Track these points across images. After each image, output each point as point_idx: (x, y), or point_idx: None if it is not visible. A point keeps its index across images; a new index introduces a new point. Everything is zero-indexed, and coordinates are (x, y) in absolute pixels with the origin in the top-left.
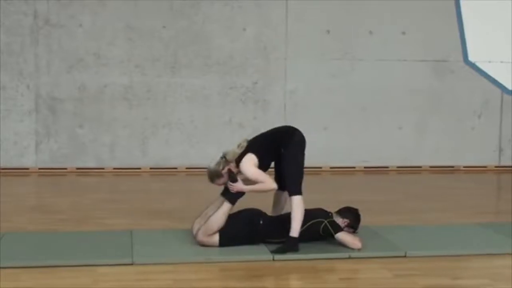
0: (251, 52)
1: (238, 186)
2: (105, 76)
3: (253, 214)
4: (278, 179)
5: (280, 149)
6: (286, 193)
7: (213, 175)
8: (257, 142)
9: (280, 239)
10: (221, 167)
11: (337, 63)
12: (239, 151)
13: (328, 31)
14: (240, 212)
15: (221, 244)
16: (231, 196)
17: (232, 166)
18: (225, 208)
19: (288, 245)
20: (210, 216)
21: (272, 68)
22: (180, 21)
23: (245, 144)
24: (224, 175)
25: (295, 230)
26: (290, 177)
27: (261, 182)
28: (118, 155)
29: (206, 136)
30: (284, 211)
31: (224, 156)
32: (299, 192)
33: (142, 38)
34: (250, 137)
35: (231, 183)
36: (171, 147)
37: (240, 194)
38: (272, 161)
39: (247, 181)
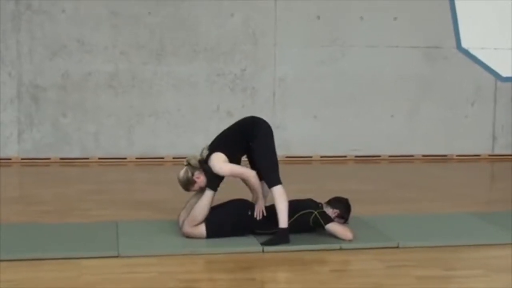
0: (239, 38)
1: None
2: (89, 64)
3: (242, 205)
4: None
5: (248, 143)
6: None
7: (186, 183)
8: (223, 139)
9: (270, 230)
10: (190, 174)
11: (327, 49)
12: (201, 157)
13: (318, 17)
14: (228, 203)
15: (208, 236)
16: (211, 183)
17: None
18: (208, 196)
19: (279, 237)
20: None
21: (260, 55)
22: (166, 7)
23: (206, 152)
24: (196, 180)
25: (283, 221)
26: (265, 169)
27: (238, 175)
28: (103, 144)
29: (193, 125)
30: (268, 203)
31: (188, 163)
32: (278, 182)
33: (127, 24)
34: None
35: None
36: (158, 137)
37: (220, 178)
38: (243, 154)
39: None
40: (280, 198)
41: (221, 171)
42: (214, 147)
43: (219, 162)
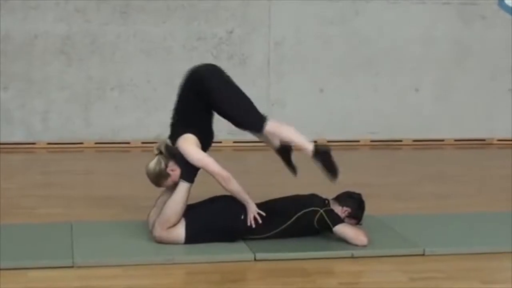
0: None
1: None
2: (35, 23)
3: (233, 206)
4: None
5: (209, 101)
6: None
7: (158, 177)
8: (180, 116)
9: (264, 234)
10: (163, 166)
11: (337, 4)
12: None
13: None
14: (215, 201)
15: (188, 240)
16: (187, 173)
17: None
18: (183, 189)
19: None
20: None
21: (252, 13)
22: None
23: (163, 146)
24: (170, 173)
25: (306, 144)
26: (241, 116)
27: (209, 171)
28: (54, 126)
29: (167, 101)
30: (264, 199)
31: (160, 151)
32: (263, 120)
33: None
34: None
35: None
36: (122, 116)
37: (196, 168)
38: (212, 115)
39: None
40: (280, 128)
41: (191, 158)
42: (178, 130)
43: (188, 147)
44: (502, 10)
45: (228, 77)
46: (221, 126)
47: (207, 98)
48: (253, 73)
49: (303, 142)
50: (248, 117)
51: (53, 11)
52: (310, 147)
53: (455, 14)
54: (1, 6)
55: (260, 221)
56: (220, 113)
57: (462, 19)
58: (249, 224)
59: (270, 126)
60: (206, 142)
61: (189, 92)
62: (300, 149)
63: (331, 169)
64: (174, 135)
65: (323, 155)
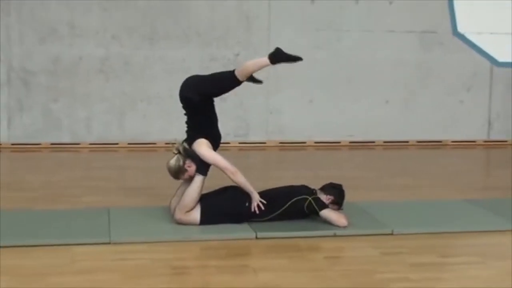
0: (232, 22)
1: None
2: (80, 48)
3: (239, 195)
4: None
5: (205, 105)
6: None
7: (177, 172)
8: (191, 124)
9: (264, 217)
10: (181, 163)
11: (322, 33)
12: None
13: (313, 1)
14: (225, 190)
15: (202, 222)
16: (201, 167)
17: (188, 161)
18: (198, 181)
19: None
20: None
21: (254, 39)
22: None
23: (182, 146)
24: (187, 168)
25: (260, 62)
26: (220, 85)
27: (220, 167)
28: (94, 130)
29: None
30: (263, 188)
31: (178, 151)
32: (232, 72)
33: (118, 7)
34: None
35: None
36: (150, 122)
37: (208, 164)
38: (214, 113)
39: None
40: (243, 69)
41: (205, 158)
42: (191, 135)
43: (202, 148)
44: (456, 37)
45: (197, 76)
46: (229, 130)
47: (201, 102)
48: (255, 88)
49: (260, 62)
50: (224, 81)
51: (94, 38)
52: (266, 60)
53: (418, 41)
54: (53, 34)
55: (262, 208)
56: (214, 95)
57: (424, 45)
58: (253, 210)
59: (238, 73)
60: (215, 143)
61: (186, 109)
62: (264, 68)
63: (292, 58)
64: (189, 138)
65: (278, 55)
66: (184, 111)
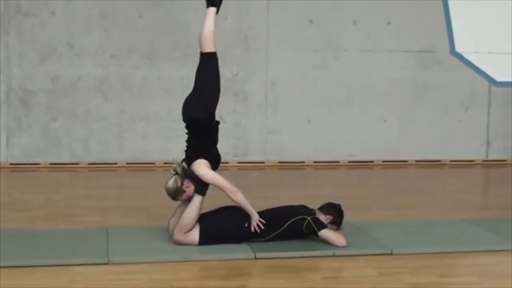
0: (231, 42)
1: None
2: (79, 67)
3: (239, 215)
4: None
5: (207, 127)
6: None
7: (175, 193)
8: (192, 147)
9: (263, 238)
10: (179, 184)
11: (320, 53)
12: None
13: (311, 21)
14: (224, 210)
15: (201, 242)
16: (200, 188)
17: (186, 182)
18: (197, 201)
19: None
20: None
21: (252, 59)
22: (157, 10)
23: (180, 167)
24: (185, 189)
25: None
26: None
27: (221, 188)
28: (93, 149)
29: (184, 130)
30: (262, 208)
31: (176, 172)
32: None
33: (117, 27)
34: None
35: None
36: (149, 142)
37: (207, 183)
38: (216, 132)
39: None
40: (202, 37)
41: (204, 178)
42: (191, 154)
43: (201, 168)
44: (454, 57)
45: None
46: (228, 149)
47: (204, 123)
48: (254, 107)
49: (208, 16)
50: (212, 66)
51: (93, 57)
52: (211, 10)
53: (415, 60)
54: (52, 54)
55: (263, 228)
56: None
57: (421, 64)
58: (253, 230)
59: (208, 47)
60: (215, 163)
61: (189, 129)
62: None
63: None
64: (188, 158)
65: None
66: (186, 130)
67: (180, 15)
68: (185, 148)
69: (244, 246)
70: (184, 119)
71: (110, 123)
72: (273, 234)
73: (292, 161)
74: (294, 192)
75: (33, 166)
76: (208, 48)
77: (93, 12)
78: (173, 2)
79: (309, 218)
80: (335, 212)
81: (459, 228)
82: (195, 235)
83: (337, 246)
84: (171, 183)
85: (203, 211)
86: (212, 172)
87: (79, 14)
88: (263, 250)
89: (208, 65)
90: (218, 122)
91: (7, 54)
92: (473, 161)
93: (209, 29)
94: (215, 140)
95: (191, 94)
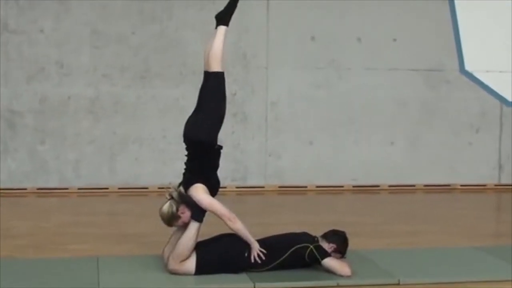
0: (229, 60)
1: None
2: (68, 87)
3: (238, 244)
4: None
5: (209, 152)
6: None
7: (170, 219)
8: (191, 171)
9: (265, 267)
10: (174, 209)
11: (323, 72)
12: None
13: (313, 38)
14: (222, 237)
15: (197, 272)
16: (196, 214)
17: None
18: (193, 228)
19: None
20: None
21: (252, 78)
22: (151, 27)
23: (176, 192)
24: (181, 215)
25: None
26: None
27: (218, 215)
28: (83, 173)
29: (179, 153)
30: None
31: (171, 197)
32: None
33: (109, 45)
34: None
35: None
36: (142, 165)
37: (204, 210)
38: (218, 154)
39: None
40: (213, 47)
41: (201, 203)
42: (189, 178)
43: (198, 193)
44: (464, 75)
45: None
46: (226, 174)
47: (206, 148)
48: (253, 128)
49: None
50: (220, 87)
51: (83, 77)
52: (221, 29)
53: (423, 79)
54: (40, 73)
55: (263, 258)
56: (223, 104)
57: (429, 83)
58: (253, 261)
59: (216, 67)
60: (214, 189)
61: (191, 147)
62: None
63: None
64: (186, 181)
65: (224, 15)
66: (185, 152)
67: (176, 32)
68: (183, 171)
69: (242, 276)
70: (185, 140)
71: (101, 145)
72: (274, 264)
73: (293, 186)
74: (295, 218)
75: (20, 191)
76: (216, 68)
77: (83, 28)
78: (168, 19)
79: (311, 246)
80: (339, 240)
81: (470, 257)
82: (191, 264)
83: (342, 276)
84: (165, 208)
85: (200, 238)
86: (210, 197)
87: (69, 31)
88: (263, 280)
89: (214, 85)
90: (220, 147)
91: None
92: (484, 185)
93: (218, 48)
94: (215, 165)
95: (193, 113)
